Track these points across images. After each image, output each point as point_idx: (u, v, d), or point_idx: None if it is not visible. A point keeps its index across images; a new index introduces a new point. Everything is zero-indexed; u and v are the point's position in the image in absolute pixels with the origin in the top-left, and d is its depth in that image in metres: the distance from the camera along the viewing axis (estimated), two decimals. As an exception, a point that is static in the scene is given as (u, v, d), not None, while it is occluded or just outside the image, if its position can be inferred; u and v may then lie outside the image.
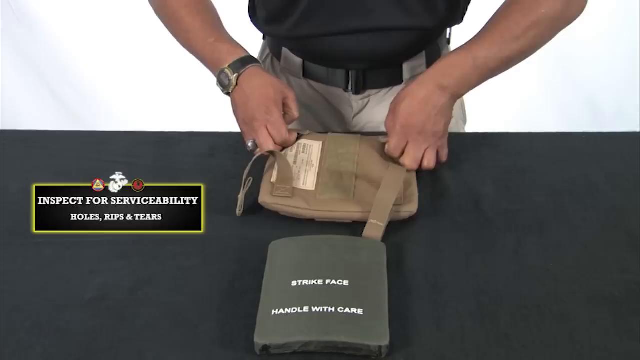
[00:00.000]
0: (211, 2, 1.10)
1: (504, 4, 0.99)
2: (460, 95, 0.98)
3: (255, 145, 0.99)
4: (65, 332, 0.77)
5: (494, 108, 2.20)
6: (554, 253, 0.87)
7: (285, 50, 1.16)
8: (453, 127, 1.22)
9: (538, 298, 0.80)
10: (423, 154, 0.97)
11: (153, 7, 1.10)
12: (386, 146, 0.98)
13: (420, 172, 0.98)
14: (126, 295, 0.82)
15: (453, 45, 1.23)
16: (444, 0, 1.04)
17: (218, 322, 0.78)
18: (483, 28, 0.98)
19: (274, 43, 1.19)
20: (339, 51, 1.08)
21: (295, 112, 1.01)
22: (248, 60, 1.00)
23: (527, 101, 2.36)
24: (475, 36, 0.97)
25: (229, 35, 1.05)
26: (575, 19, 1.01)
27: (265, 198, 0.93)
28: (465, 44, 0.97)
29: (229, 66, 0.99)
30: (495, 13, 0.99)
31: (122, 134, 1.14)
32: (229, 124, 1.05)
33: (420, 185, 0.96)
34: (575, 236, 0.90)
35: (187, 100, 2.28)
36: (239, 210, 0.93)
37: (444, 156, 1.00)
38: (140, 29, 2.21)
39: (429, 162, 0.97)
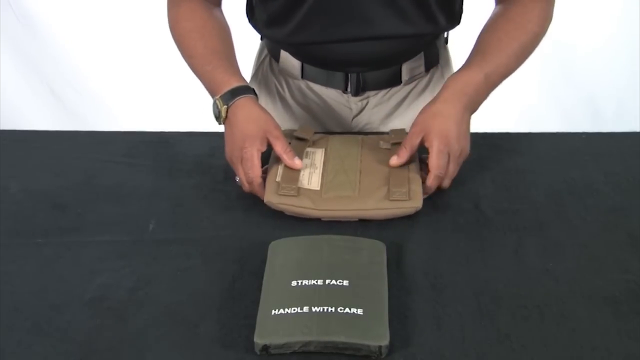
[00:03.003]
0: (224, 24, 1.09)
1: (495, 19, 1.04)
2: (475, 109, 0.99)
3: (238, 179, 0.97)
4: (65, 332, 0.77)
5: (494, 108, 2.20)
6: (554, 253, 0.87)
7: (283, 52, 1.16)
8: None
9: (538, 298, 0.80)
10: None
11: (168, 22, 1.10)
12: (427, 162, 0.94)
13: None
14: (126, 295, 0.82)
15: (451, 46, 1.23)
16: (441, 9, 1.04)
17: (218, 322, 0.78)
18: (484, 42, 1.02)
19: (273, 45, 1.19)
20: (337, 56, 1.09)
21: (278, 149, 0.95)
22: (239, 91, 0.98)
23: (527, 101, 2.35)
24: (479, 51, 1.01)
25: (229, 61, 1.03)
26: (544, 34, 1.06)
27: (271, 197, 0.92)
28: (474, 59, 1.00)
29: (220, 97, 0.98)
30: (491, 27, 1.03)
31: (122, 134, 1.14)
32: (229, 124, 1.05)
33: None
34: (575, 236, 0.90)
35: (187, 100, 2.27)
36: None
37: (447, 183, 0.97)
38: (140, 29, 2.22)
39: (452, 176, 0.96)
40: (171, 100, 2.32)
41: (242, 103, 0.97)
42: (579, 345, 0.74)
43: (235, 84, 0.99)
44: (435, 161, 0.92)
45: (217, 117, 0.99)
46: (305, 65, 1.14)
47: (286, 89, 1.18)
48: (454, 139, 0.93)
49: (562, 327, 0.76)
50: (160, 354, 0.74)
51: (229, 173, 1.02)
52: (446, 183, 0.96)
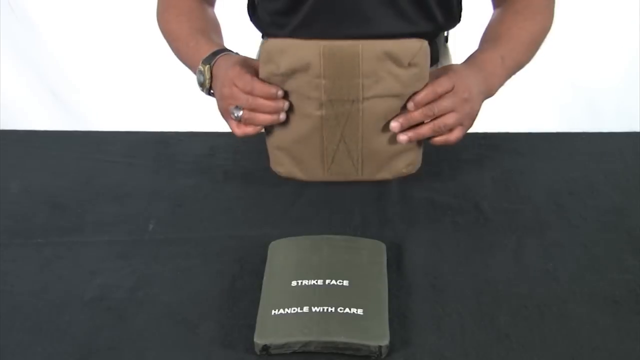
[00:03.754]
0: (209, 12, 1.08)
1: (501, 12, 1.03)
2: (489, 92, 0.95)
3: (241, 109, 0.88)
4: (65, 332, 0.77)
5: (494, 108, 2.20)
6: (554, 253, 0.87)
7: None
8: None
9: (538, 298, 0.80)
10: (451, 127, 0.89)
11: (157, 19, 1.10)
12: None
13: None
14: (126, 295, 0.82)
15: (451, 44, 1.23)
16: (440, 8, 1.04)
17: (218, 322, 0.78)
18: (492, 32, 1.01)
19: None
20: None
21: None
22: (221, 51, 0.94)
23: (527, 101, 2.35)
24: (490, 39, 1.00)
25: (213, 38, 1.00)
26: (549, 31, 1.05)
27: (277, 167, 0.95)
28: (485, 45, 0.99)
29: (202, 62, 0.93)
30: (497, 20, 1.03)
31: (122, 134, 1.14)
32: (228, 124, 1.05)
33: (420, 185, 0.96)
34: (575, 236, 0.90)
35: (187, 100, 2.27)
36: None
37: (456, 136, 0.90)
38: (140, 29, 2.21)
39: (443, 125, 0.87)
40: (171, 100, 2.32)
41: (225, 57, 0.93)
42: (579, 345, 0.74)
43: (216, 49, 0.94)
44: (438, 83, 0.86)
45: (202, 83, 0.93)
46: None
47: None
48: (470, 83, 0.88)
49: (562, 327, 0.76)
50: (160, 354, 0.74)
51: (229, 173, 1.02)
52: (453, 138, 0.89)
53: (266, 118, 0.88)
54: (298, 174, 0.95)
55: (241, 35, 1.18)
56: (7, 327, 0.78)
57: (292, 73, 0.86)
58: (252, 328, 0.74)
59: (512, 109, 2.28)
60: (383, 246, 0.85)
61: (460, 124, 0.90)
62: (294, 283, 0.78)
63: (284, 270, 0.81)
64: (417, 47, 0.86)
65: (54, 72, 2.38)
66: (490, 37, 1.01)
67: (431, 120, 0.88)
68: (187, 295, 0.82)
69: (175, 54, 1.05)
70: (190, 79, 1.07)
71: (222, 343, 0.75)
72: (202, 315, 0.79)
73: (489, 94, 0.96)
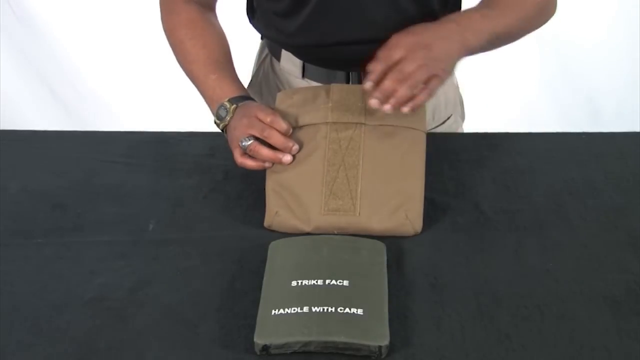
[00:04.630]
0: (221, 33, 1.09)
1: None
2: (467, 42, 0.94)
3: (250, 139, 0.92)
4: (65, 332, 0.77)
5: (494, 108, 2.20)
6: (554, 253, 0.87)
7: (284, 51, 1.16)
8: (451, 124, 1.23)
9: (538, 298, 0.80)
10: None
11: (163, 28, 1.10)
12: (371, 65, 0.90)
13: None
14: (126, 295, 0.82)
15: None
16: (443, 9, 1.05)
17: (218, 322, 0.78)
18: (484, 2, 1.01)
19: (274, 44, 1.19)
20: (339, 57, 1.09)
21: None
22: (248, 97, 1.01)
23: (527, 101, 2.35)
24: (481, 4, 1.01)
25: (232, 72, 1.05)
26: (547, 21, 1.06)
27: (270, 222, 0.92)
28: (472, 7, 1.00)
29: (228, 100, 0.98)
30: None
31: (122, 134, 1.14)
32: (229, 124, 1.05)
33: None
34: (575, 236, 0.90)
35: (187, 100, 2.27)
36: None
37: (434, 84, 0.89)
38: (140, 29, 2.21)
39: (415, 81, 0.87)
40: (171, 100, 2.32)
41: (251, 102, 1.00)
42: (579, 345, 0.74)
43: (243, 93, 1.01)
44: (385, 48, 0.89)
45: (222, 118, 0.98)
46: (307, 65, 1.14)
47: (287, 88, 1.18)
48: (420, 34, 0.90)
49: (562, 327, 0.76)
50: (160, 354, 0.74)
51: (229, 173, 1.02)
52: (411, 82, 0.87)
53: (269, 154, 0.92)
54: (292, 220, 0.91)
55: (241, 36, 1.18)
56: (7, 327, 0.78)
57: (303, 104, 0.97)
58: (252, 328, 0.74)
59: (512, 109, 2.29)
60: (383, 246, 0.85)
61: (434, 74, 0.89)
62: (294, 283, 0.78)
63: (284, 270, 0.81)
64: None
65: (54, 72, 2.38)
66: (484, 3, 1.01)
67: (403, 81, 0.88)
68: (187, 295, 0.82)
69: (186, 72, 1.07)
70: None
71: (222, 343, 0.75)
72: (202, 315, 0.79)
73: (464, 45, 0.94)
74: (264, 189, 0.95)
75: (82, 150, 1.10)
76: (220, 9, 1.11)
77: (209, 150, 1.09)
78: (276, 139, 0.92)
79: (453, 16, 0.97)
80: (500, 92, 2.27)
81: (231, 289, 0.82)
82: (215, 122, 1.00)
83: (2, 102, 2.29)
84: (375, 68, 0.90)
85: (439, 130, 1.21)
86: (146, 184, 1.02)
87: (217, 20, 1.11)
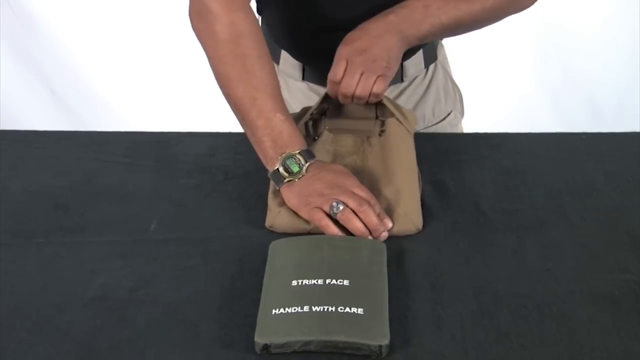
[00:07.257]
0: (264, 44, 1.00)
1: None
2: (405, 34, 0.98)
3: (343, 205, 0.87)
4: (65, 332, 0.77)
5: (494, 108, 2.20)
6: (554, 253, 0.87)
7: (284, 53, 1.16)
8: (451, 120, 1.23)
9: (538, 298, 0.80)
10: (358, 79, 0.96)
11: (198, 34, 1.00)
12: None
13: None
14: (126, 295, 0.82)
15: (446, 42, 1.24)
16: None
17: (218, 322, 0.78)
18: None
19: (273, 46, 1.19)
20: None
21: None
22: (314, 155, 0.94)
23: (527, 101, 2.36)
24: None
25: (289, 114, 0.96)
26: (525, 9, 1.05)
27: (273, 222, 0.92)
28: None
29: (299, 153, 0.91)
30: None
31: (122, 134, 1.14)
32: (229, 124, 1.05)
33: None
34: (575, 236, 0.90)
35: (187, 100, 2.28)
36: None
37: (379, 87, 0.96)
38: (141, 29, 2.22)
39: (362, 90, 0.95)
40: (171, 100, 2.32)
41: (321, 162, 0.94)
42: (579, 345, 0.74)
43: (304, 144, 0.94)
44: (332, 67, 0.96)
45: (289, 171, 0.91)
46: (306, 67, 1.14)
47: (287, 91, 1.18)
48: (357, 42, 0.95)
49: (562, 327, 0.76)
50: (160, 354, 0.74)
51: (230, 173, 1.02)
52: (358, 91, 0.96)
53: (362, 229, 0.87)
54: (293, 220, 0.90)
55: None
56: (7, 327, 0.78)
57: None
58: (252, 327, 0.74)
59: (512, 109, 2.29)
60: (383, 246, 0.85)
61: (378, 75, 0.95)
62: (294, 282, 0.79)
63: (284, 269, 0.81)
64: None
65: (54, 72, 2.38)
66: None
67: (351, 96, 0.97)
68: (188, 295, 0.82)
69: (239, 95, 0.94)
70: (191, 79, 1.07)
71: (223, 343, 0.75)
72: (202, 314, 0.79)
73: (402, 37, 0.97)
74: (265, 189, 0.95)
75: (82, 150, 1.10)
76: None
77: (209, 150, 1.09)
78: (371, 219, 0.87)
79: (396, 7, 0.99)
80: (500, 91, 2.27)
81: (232, 289, 0.82)
82: (275, 171, 0.91)
83: (2, 102, 2.29)
84: (331, 92, 0.99)
85: (440, 126, 1.21)
86: (147, 184, 1.02)
87: (254, 16, 1.03)
